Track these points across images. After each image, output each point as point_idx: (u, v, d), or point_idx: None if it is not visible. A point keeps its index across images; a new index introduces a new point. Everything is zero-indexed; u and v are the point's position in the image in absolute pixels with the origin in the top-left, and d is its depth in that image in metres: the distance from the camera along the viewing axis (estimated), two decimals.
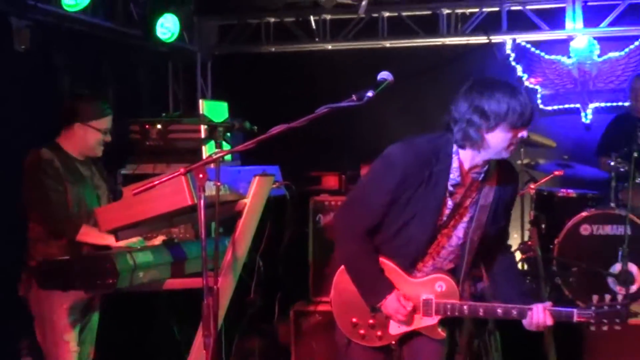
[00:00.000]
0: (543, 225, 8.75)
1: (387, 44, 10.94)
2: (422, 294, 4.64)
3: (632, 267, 7.93)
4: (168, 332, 7.29)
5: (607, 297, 4.38)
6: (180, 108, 10.97)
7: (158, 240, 6.06)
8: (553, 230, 8.61)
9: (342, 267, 4.85)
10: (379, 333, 4.74)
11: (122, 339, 7.55)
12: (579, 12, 10.49)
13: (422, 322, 4.66)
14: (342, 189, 8.51)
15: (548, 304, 4.40)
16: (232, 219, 5.73)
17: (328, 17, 10.97)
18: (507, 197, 4.70)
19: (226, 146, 7.20)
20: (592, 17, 10.59)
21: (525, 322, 4.46)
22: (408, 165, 4.44)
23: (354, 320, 4.79)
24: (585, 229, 8.37)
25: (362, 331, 4.78)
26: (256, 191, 5.70)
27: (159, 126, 7.99)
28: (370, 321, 4.75)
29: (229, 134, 7.05)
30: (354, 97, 4.22)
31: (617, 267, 7.99)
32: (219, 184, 4.73)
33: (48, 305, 5.78)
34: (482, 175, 4.51)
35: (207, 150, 7.97)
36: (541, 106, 10.96)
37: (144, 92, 10.52)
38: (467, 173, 4.48)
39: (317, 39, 11.11)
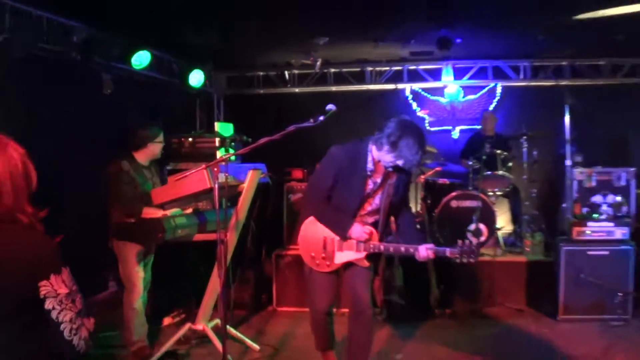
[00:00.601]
0: (429, 202, 9.62)
1: (333, 88, 11.82)
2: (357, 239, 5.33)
3: (481, 226, 9.08)
4: (197, 268, 7.66)
5: (467, 242, 4.99)
6: (204, 128, 11.88)
7: (189, 210, 6.58)
8: (434, 204, 9.48)
9: (304, 222, 5.58)
10: (328, 263, 5.44)
11: (172, 273, 8.15)
12: (451, 70, 11.70)
13: (355, 256, 5.37)
14: (305, 178, 9.09)
15: (431, 245, 5.10)
16: (235, 196, 6.53)
17: (296, 71, 11.92)
18: (404, 179, 5.49)
19: (231, 151, 8.33)
20: (458, 73, 11.76)
21: (417, 256, 5.11)
22: (341, 159, 5.27)
23: (312, 254, 5.52)
24: (454, 203, 9.34)
25: (317, 262, 5.49)
26: (251, 179, 6.52)
27: (190, 139, 8.66)
28: (322, 255, 5.46)
29: (233, 144, 8.25)
30: (311, 120, 5.05)
31: (472, 226, 9.10)
32: (227, 174, 5.66)
33: (124, 250, 6.42)
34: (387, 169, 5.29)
35: (219, 154, 8.53)
36: (428, 128, 11.94)
37: (180, 119, 11.17)
38: (377, 163, 5.26)
39: (289, 85, 12.05)
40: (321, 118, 5.20)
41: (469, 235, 9.14)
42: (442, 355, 6.80)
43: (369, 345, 5.63)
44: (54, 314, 2.68)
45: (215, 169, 5.11)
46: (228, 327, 6.07)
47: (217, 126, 10.00)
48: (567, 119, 9.19)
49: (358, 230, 5.29)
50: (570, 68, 11.54)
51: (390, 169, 5.26)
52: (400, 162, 5.06)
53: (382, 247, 5.33)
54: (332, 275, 5.60)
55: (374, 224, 5.45)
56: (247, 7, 7.96)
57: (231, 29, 9.03)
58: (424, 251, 5.12)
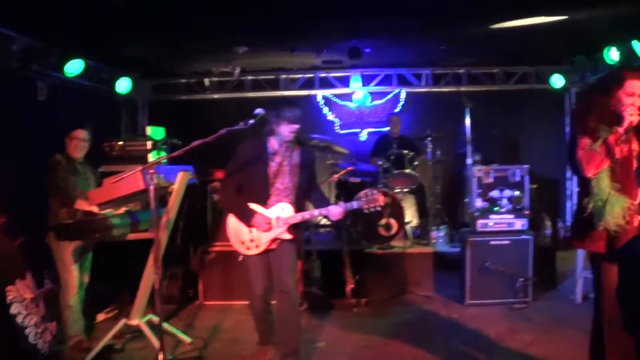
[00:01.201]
0: (342, 199, 9.22)
1: (250, 94, 11.81)
2: (274, 214, 5.63)
3: (391, 220, 9.00)
4: (129, 265, 7.75)
5: (367, 192, 5.67)
6: (129, 132, 11.62)
7: (121, 210, 6.54)
8: (348, 200, 9.10)
9: (228, 216, 5.88)
10: (257, 245, 5.70)
11: (105, 271, 7.80)
12: (359, 77, 11.80)
13: (278, 231, 5.64)
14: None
15: (340, 203, 5.62)
16: (165, 197, 6.53)
17: (216, 79, 11.75)
18: (308, 159, 5.83)
19: (162, 154, 8.44)
20: (366, 80, 11.89)
21: (330, 216, 5.58)
22: (245, 152, 5.65)
23: (242, 241, 5.77)
24: None
25: (247, 246, 5.74)
26: (180, 181, 6.51)
27: (120, 143, 8.67)
28: (250, 240, 5.72)
29: (164, 146, 8.37)
30: (242, 123, 5.22)
31: (383, 221, 9.01)
32: (159, 176, 5.86)
33: (60, 248, 6.40)
34: (288, 148, 5.69)
35: (151, 157, 8.62)
36: (338, 130, 12.21)
37: (107, 123, 10.96)
38: (277, 148, 5.65)
39: (208, 92, 11.91)
40: (251, 121, 5.32)
41: (380, 230, 9.13)
42: (362, 342, 6.78)
43: (298, 325, 5.95)
44: (19, 319, 2.60)
45: (151, 171, 5.12)
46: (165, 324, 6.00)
47: (149, 130, 9.87)
48: (467, 121, 9.40)
49: (259, 220, 5.57)
50: (468, 75, 11.79)
51: (290, 145, 5.68)
52: (292, 124, 5.53)
53: (299, 217, 5.62)
54: (263, 259, 5.76)
55: (290, 199, 5.72)
56: (173, 20, 7.92)
57: (158, 40, 8.96)
58: (335, 209, 5.56)
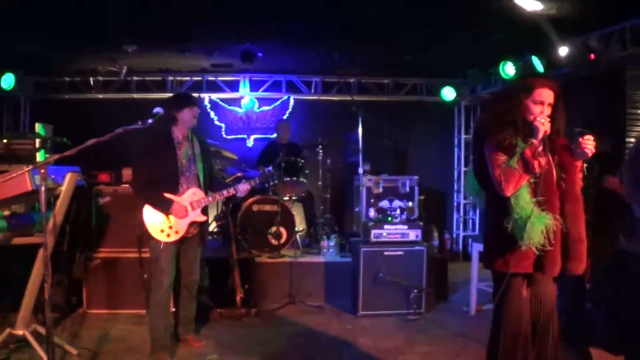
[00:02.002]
0: (231, 205, 9.06)
1: (135, 96, 11.49)
2: (188, 200, 5.96)
3: (281, 229, 8.87)
4: (12, 272, 7.17)
5: (266, 169, 6.70)
6: (10, 130, 11.12)
7: (6, 212, 6.13)
8: (236, 208, 9.21)
9: (144, 209, 5.90)
10: (176, 230, 5.94)
11: None
12: (247, 83, 11.78)
13: (194, 214, 6.01)
14: (112, 181, 8.48)
15: (243, 181, 6.35)
16: (51, 199, 6.06)
17: (101, 78, 11.39)
18: (206, 147, 6.33)
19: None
20: (254, 86, 11.86)
21: (238, 192, 6.29)
22: (150, 144, 5.85)
23: (161, 230, 5.91)
24: (255, 208, 9.06)
25: (168, 234, 5.92)
26: (69, 182, 6.19)
27: (4, 140, 7.66)
28: (170, 227, 5.92)
29: (52, 146, 7.84)
30: (139, 122, 5.00)
31: (273, 229, 8.85)
32: (52, 177, 5.73)
33: None
34: (189, 137, 6.06)
35: (39, 156, 7.83)
36: (225, 136, 11.94)
37: None
38: (180, 138, 5.97)
39: (93, 92, 11.51)
40: (149, 121, 5.21)
41: (270, 238, 8.94)
42: (256, 354, 6.49)
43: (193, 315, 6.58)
44: None
45: (42, 171, 4.71)
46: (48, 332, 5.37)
47: (38, 127, 8.95)
48: (359, 130, 9.28)
49: (177, 207, 5.92)
50: (358, 84, 11.85)
51: (189, 134, 6.10)
52: (194, 107, 6.02)
53: (210, 199, 6.15)
54: (176, 249, 6.06)
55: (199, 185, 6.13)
56: (60, 14, 7.56)
57: (44, 35, 8.57)
58: (243, 186, 6.33)
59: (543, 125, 4.00)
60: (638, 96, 8.16)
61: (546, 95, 4.14)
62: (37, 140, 7.85)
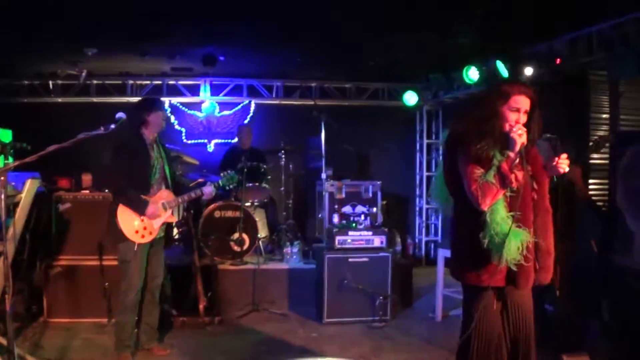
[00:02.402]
0: (192, 211, 8.61)
1: (95, 99, 11.28)
2: (160, 201, 6.09)
3: (244, 235, 8.73)
4: None
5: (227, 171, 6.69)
6: None
7: None
8: (198, 214, 9.08)
9: (118, 210, 5.89)
10: (150, 231, 6.04)
11: None
12: (208, 87, 11.69)
13: (165, 215, 6.16)
14: (72, 187, 8.51)
15: (208, 183, 6.52)
16: (10, 206, 5.93)
17: (60, 81, 11.14)
18: (168, 152, 6.42)
19: (10, 159, 7.94)
20: (215, 90, 11.77)
21: (204, 194, 6.46)
22: (125, 147, 5.93)
23: (136, 231, 5.96)
24: (217, 214, 9.07)
25: (142, 235, 5.99)
26: (29, 188, 6.15)
27: None
28: (144, 227, 6.00)
29: (12, 151, 7.88)
30: (102, 128, 5.19)
31: (235, 235, 8.74)
32: (12, 183, 5.82)
33: None
34: (156, 140, 6.19)
35: None
36: (185, 140, 11.78)
37: None
38: (150, 140, 6.08)
39: (52, 95, 11.28)
40: (112, 126, 5.17)
41: (233, 245, 8.86)
42: None
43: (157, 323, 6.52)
44: None
45: (2, 178, 4.73)
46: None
47: None
48: (322, 135, 9.23)
49: (152, 209, 6.01)
50: (320, 89, 11.87)
51: (157, 143, 6.23)
52: (162, 111, 6.23)
53: (180, 200, 6.34)
54: (147, 250, 6.11)
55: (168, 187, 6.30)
56: (17, 16, 7.39)
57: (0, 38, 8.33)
58: (208, 188, 6.50)
59: (520, 137, 3.89)
60: (601, 101, 8.23)
61: (522, 102, 4.04)
62: None
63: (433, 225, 12.48)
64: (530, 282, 4.06)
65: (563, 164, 3.99)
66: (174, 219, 6.33)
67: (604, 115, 8.20)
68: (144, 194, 6.04)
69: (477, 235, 3.96)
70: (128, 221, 5.98)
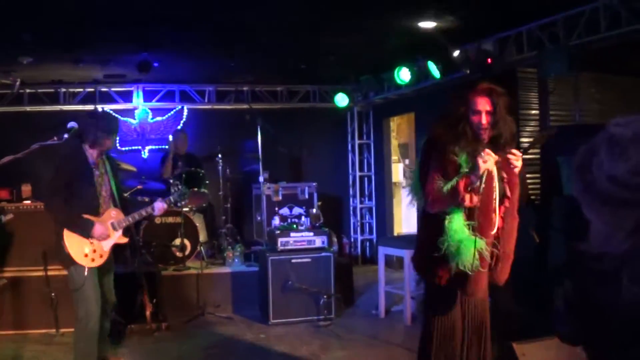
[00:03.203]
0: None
1: (28, 108, 11.00)
2: (108, 221, 5.67)
3: (185, 241, 8.93)
4: None
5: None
6: None
7: None
8: (139, 222, 8.19)
9: (64, 233, 5.46)
10: (100, 254, 5.60)
11: None
12: (141, 93, 11.63)
13: (116, 235, 5.73)
14: (13, 198, 8.35)
15: (159, 199, 6.16)
16: None
17: None
18: (116, 166, 6.12)
19: None
20: (148, 96, 11.72)
21: (156, 211, 6.07)
22: (68, 164, 5.57)
23: (85, 254, 5.50)
24: (158, 220, 9.03)
25: (92, 258, 5.54)
26: None
27: None
28: (93, 250, 5.54)
29: None
30: (55, 138, 5.33)
31: (177, 241, 8.95)
32: None
33: None
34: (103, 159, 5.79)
35: None
36: (119, 147, 11.54)
37: None
38: (95, 158, 5.64)
39: None
40: (65, 136, 5.38)
41: (175, 250, 8.96)
42: None
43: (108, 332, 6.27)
44: None
45: None
46: None
47: None
48: (259, 138, 9.32)
49: (99, 230, 5.56)
50: (252, 93, 11.96)
51: (103, 157, 5.81)
52: (114, 135, 5.86)
53: (130, 219, 5.88)
54: (98, 273, 5.70)
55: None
56: None
57: None
58: (159, 204, 6.09)
59: (485, 163, 3.96)
60: (530, 97, 8.54)
61: (481, 103, 4.16)
62: None
63: (368, 224, 12.68)
64: (481, 287, 4.28)
65: (514, 159, 4.14)
66: (124, 240, 5.90)
67: (533, 112, 8.50)
68: (91, 213, 5.61)
69: (438, 238, 4.16)
70: (76, 244, 5.55)
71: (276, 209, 9.12)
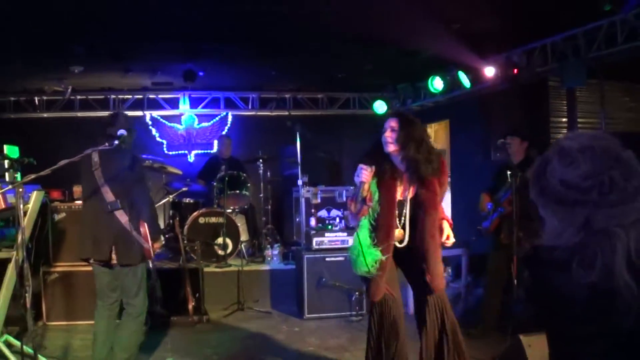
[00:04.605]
0: (177, 218, 9.03)
1: (79, 114, 11.57)
2: None
3: (227, 240, 9.36)
4: None
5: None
6: None
7: None
8: (183, 221, 9.42)
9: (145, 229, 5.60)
10: None
11: None
12: (187, 100, 12.05)
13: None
14: (65, 198, 8.63)
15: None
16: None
17: (45, 97, 11.40)
18: (126, 166, 5.83)
19: (19, 173, 8.22)
20: (194, 102, 12.16)
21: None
22: (80, 166, 5.67)
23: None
24: (201, 220, 9.56)
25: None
26: (35, 200, 6.41)
27: None
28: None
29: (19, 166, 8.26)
30: (107, 143, 5.62)
31: (219, 240, 9.37)
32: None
33: None
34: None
35: (8, 175, 8.18)
36: (166, 152, 12.17)
37: None
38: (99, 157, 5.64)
39: (38, 111, 11.56)
40: (116, 142, 5.34)
41: (217, 249, 9.38)
42: (214, 356, 6.85)
43: None
44: None
45: (20, 190, 5.01)
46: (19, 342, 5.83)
47: (6, 149, 9.34)
48: (298, 144, 9.67)
49: None
50: (294, 100, 12.35)
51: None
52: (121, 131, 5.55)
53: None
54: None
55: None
56: (8, 36, 7.75)
57: None
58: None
59: (358, 177, 4.80)
60: (560, 105, 8.65)
61: (389, 121, 4.84)
62: (6, 162, 8.16)
63: None
64: (381, 293, 4.93)
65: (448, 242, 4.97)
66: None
67: (564, 120, 8.63)
68: None
69: None
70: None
71: (312, 210, 9.43)
